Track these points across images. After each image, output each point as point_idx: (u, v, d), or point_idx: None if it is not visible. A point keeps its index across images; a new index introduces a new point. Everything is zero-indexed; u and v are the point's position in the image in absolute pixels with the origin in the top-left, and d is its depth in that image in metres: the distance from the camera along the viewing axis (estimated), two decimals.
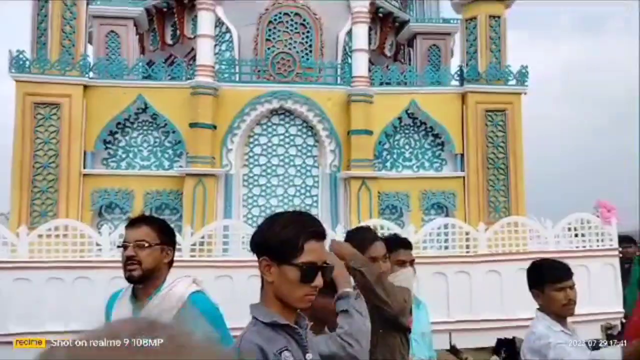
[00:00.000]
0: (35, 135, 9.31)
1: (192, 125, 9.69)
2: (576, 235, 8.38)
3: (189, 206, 9.47)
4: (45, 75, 9.37)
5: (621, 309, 7.68)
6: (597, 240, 8.30)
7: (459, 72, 10.97)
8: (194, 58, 10.55)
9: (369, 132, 10.19)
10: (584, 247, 8.32)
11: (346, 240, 2.85)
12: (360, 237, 2.84)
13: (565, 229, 8.44)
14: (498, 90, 10.52)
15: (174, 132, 9.98)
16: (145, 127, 10.20)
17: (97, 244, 7.69)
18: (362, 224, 8.34)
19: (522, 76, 10.57)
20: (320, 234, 1.74)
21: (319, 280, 1.69)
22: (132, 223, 2.58)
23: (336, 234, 7.45)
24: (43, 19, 9.57)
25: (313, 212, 10.30)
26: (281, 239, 1.67)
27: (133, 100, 9.85)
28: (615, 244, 8.17)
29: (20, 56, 9.43)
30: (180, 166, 9.98)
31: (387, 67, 12.27)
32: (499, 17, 10.84)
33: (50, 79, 9.37)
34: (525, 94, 10.61)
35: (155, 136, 10.21)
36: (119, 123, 9.99)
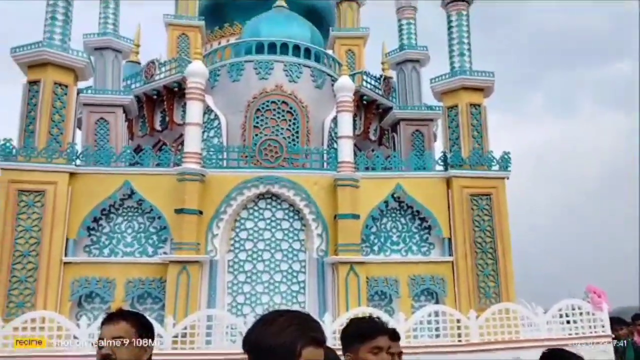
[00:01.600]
0: (17, 222, 9.18)
1: (178, 211, 9.64)
2: (568, 322, 8.23)
3: (171, 294, 9.21)
4: (31, 163, 9.39)
5: None
6: (590, 327, 8.14)
7: (442, 158, 11.19)
8: (182, 143, 10.67)
9: (355, 216, 10.19)
10: (577, 333, 8.15)
11: (347, 327, 2.75)
12: (365, 327, 2.76)
13: (556, 315, 8.29)
14: (482, 175, 10.72)
15: (159, 217, 9.90)
16: (130, 213, 10.12)
17: (75, 337, 7.38)
18: (350, 312, 8.14)
19: (505, 161, 10.80)
20: (320, 341, 1.60)
21: None
22: (109, 319, 2.43)
23: (324, 323, 7.23)
24: (32, 108, 9.70)
25: (300, 299, 10.07)
26: (278, 342, 1.51)
27: (119, 187, 9.83)
28: (608, 330, 8.01)
29: (7, 144, 9.48)
30: (165, 252, 9.82)
31: (372, 150, 12.49)
32: (479, 105, 11.23)
33: (35, 167, 9.38)
34: (508, 178, 10.79)
35: (140, 222, 10.11)
36: (103, 209, 9.91)
